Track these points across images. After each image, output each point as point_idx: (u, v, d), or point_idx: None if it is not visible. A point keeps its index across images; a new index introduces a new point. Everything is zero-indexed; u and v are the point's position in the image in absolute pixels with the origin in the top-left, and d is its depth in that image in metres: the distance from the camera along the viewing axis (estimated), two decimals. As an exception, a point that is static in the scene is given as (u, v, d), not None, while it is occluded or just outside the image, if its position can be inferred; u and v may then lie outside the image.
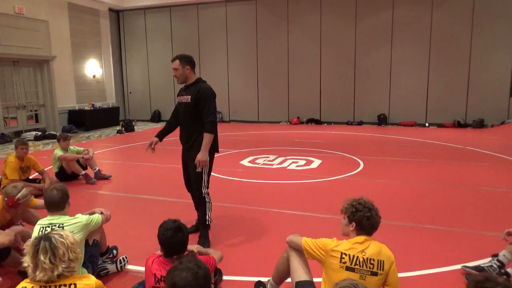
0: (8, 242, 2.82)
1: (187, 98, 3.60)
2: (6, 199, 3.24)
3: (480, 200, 4.93)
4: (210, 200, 3.69)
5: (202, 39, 14.68)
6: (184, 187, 3.94)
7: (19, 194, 3.21)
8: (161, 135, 3.90)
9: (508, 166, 6.75)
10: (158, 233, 2.39)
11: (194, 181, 3.63)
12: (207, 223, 3.66)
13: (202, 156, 3.46)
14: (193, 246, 2.74)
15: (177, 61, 3.59)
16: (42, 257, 1.81)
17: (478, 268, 2.94)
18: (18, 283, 1.92)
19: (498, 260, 2.94)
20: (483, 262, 3.04)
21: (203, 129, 3.51)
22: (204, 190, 3.62)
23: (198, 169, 3.52)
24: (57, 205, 2.78)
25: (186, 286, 1.69)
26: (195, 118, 3.56)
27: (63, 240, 1.88)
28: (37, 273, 1.82)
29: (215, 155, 3.73)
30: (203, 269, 1.77)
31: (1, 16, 10.57)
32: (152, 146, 3.87)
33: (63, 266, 1.84)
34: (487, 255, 3.16)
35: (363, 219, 2.22)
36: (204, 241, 3.57)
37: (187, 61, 3.61)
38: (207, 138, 3.49)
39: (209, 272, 1.82)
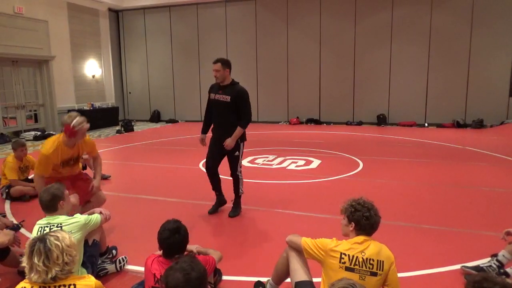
0: (7, 242, 2.81)
1: (226, 98, 4.16)
2: (63, 128, 3.40)
3: (480, 200, 4.93)
4: (242, 177, 4.47)
5: (202, 39, 14.68)
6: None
7: (74, 121, 3.35)
8: (205, 130, 4.57)
9: (508, 166, 6.76)
10: (158, 232, 2.40)
11: (232, 163, 4.37)
12: (240, 194, 4.47)
13: (231, 142, 4.16)
14: (192, 246, 2.74)
15: (219, 64, 4.12)
16: (36, 260, 1.80)
17: (477, 268, 2.94)
18: (18, 283, 1.92)
19: (497, 260, 2.94)
20: (482, 262, 3.04)
21: (238, 123, 4.18)
22: (239, 168, 4.41)
23: (236, 153, 4.30)
24: (47, 207, 2.76)
25: (177, 287, 1.71)
26: (234, 115, 4.19)
27: (58, 243, 1.85)
28: (32, 275, 1.81)
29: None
30: (197, 271, 1.76)
31: (0, 16, 10.56)
32: (204, 143, 4.56)
33: (57, 269, 1.82)
34: (486, 255, 3.16)
35: (362, 219, 2.22)
36: (237, 208, 4.46)
37: (227, 65, 4.16)
38: (239, 130, 4.18)
39: (204, 274, 1.81)
